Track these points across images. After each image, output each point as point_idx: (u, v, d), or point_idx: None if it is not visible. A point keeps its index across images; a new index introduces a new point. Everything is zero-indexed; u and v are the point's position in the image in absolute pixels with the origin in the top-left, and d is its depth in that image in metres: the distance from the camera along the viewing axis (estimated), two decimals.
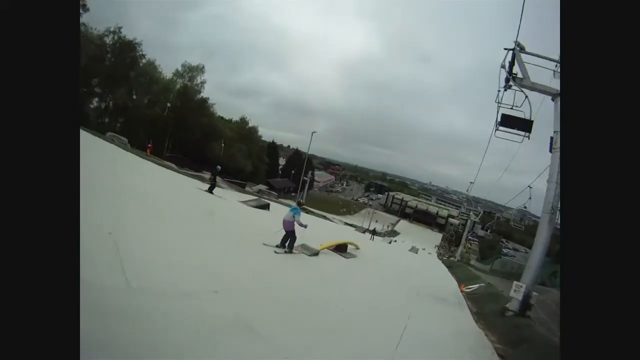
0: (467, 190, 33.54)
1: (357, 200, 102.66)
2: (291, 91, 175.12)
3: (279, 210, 16.55)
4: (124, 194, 8.40)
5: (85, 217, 3.43)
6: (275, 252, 8.46)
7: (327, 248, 10.90)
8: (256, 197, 20.09)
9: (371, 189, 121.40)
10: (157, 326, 3.38)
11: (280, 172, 79.02)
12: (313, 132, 38.12)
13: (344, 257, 11.10)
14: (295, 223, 8.73)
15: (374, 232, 37.25)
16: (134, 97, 39.82)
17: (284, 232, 8.85)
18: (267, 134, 79.64)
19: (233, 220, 11.72)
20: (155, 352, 2.96)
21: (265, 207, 17.33)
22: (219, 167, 17.31)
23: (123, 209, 6.87)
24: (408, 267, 16.36)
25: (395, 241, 47.22)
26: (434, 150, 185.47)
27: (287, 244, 8.81)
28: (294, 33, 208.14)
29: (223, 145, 43.21)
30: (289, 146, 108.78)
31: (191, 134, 42.23)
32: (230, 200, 16.15)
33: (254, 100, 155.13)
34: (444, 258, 38.06)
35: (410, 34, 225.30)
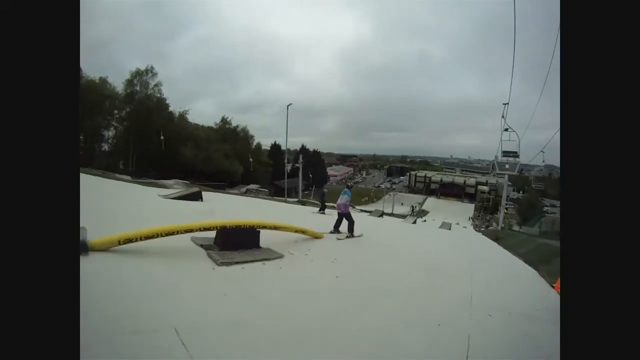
0: (504, 118, 25.27)
1: (378, 187, 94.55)
2: (294, 96, 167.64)
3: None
4: None
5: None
6: (337, 239, 8.31)
7: (160, 234, 4.75)
8: (181, 189, 14.39)
9: (388, 171, 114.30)
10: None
11: (287, 172, 73.55)
12: (289, 105, 31.16)
13: (215, 258, 4.32)
14: (348, 205, 9.12)
15: (416, 213, 31.34)
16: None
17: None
18: (279, 141, 75.76)
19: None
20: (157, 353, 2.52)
21: (196, 196, 13.31)
22: (325, 190, 17.26)
23: None
24: (425, 257, 9.00)
25: (424, 220, 39.16)
26: (450, 123, 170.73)
27: (347, 229, 8.90)
28: (284, 37, 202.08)
29: (162, 138, 36.44)
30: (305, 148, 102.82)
31: (150, 141, 36.65)
32: None
33: (261, 112, 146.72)
34: (482, 229, 32.92)
35: (401, 10, 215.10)
